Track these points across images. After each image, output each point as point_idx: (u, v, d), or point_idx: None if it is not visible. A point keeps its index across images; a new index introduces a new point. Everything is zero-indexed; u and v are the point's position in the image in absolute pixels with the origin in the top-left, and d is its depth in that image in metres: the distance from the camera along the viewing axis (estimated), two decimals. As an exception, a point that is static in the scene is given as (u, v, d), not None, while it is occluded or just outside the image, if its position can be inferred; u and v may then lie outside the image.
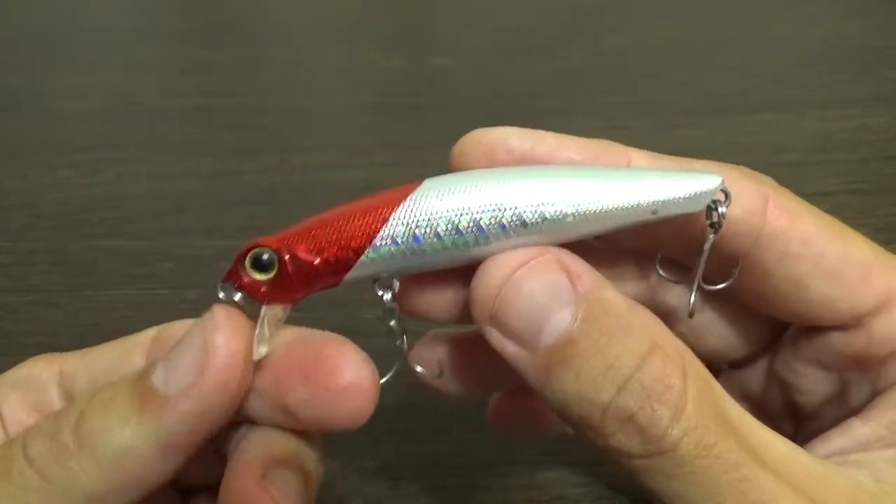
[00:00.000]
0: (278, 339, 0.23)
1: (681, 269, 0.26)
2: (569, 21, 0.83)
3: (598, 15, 0.84)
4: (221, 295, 0.23)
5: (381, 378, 0.24)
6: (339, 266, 0.23)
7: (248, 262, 0.22)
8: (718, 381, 0.30)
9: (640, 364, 0.21)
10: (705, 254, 0.24)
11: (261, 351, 0.22)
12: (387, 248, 0.22)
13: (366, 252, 0.22)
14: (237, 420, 0.24)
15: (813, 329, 0.26)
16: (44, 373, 0.27)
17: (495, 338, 0.22)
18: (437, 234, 0.22)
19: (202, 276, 0.48)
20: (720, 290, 0.25)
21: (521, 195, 0.22)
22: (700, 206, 0.23)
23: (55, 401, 0.26)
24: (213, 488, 0.27)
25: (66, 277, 0.49)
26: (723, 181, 0.23)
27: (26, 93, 0.72)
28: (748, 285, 0.25)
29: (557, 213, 0.22)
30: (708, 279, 0.25)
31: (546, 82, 0.71)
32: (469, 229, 0.22)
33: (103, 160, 0.60)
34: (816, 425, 0.27)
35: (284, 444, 0.24)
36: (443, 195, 0.22)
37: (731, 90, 0.68)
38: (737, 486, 0.20)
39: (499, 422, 0.33)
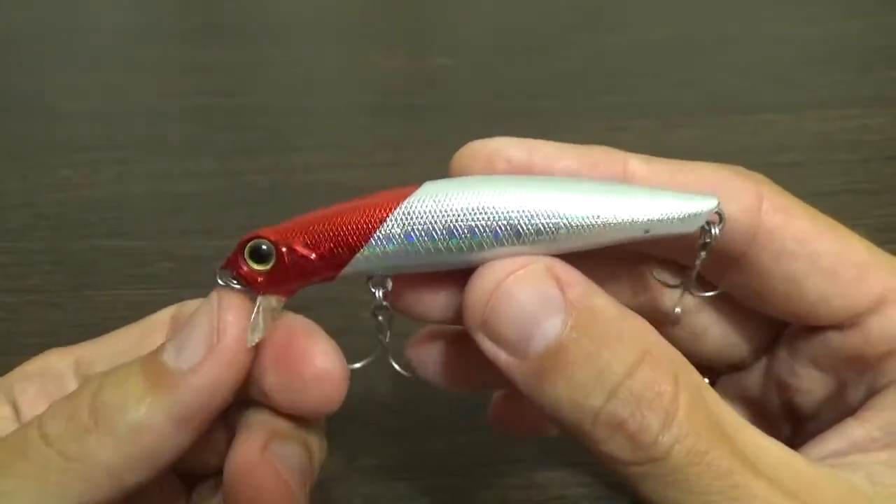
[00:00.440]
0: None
1: (675, 271, 0.26)
2: (569, 21, 0.83)
3: (598, 15, 0.84)
4: (220, 281, 0.23)
5: (357, 364, 0.25)
6: (334, 262, 0.23)
7: (246, 253, 0.23)
8: (717, 383, 0.30)
9: (630, 371, 0.21)
10: (696, 269, 0.24)
11: (254, 339, 0.23)
12: (382, 248, 0.23)
13: (361, 250, 0.23)
14: (240, 400, 0.25)
15: (810, 329, 0.26)
16: (59, 364, 0.28)
17: (487, 345, 0.22)
18: (432, 239, 0.22)
19: (202, 276, 0.48)
20: (708, 297, 0.25)
21: (516, 207, 0.22)
22: (694, 227, 0.23)
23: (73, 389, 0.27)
24: (217, 475, 0.28)
25: (66, 277, 0.49)
26: (718, 203, 0.23)
27: (26, 93, 0.72)
28: (744, 284, 0.25)
29: (551, 226, 0.22)
30: (701, 280, 0.25)
31: (546, 82, 0.71)
32: (463, 236, 0.22)
33: (103, 160, 0.60)
34: (814, 426, 0.27)
35: (285, 419, 0.25)
36: (440, 200, 0.22)
37: (731, 90, 0.68)
38: (729, 493, 0.21)
39: (499, 423, 0.33)
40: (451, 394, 0.29)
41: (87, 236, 0.52)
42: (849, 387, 0.26)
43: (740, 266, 0.25)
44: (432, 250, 0.23)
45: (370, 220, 0.23)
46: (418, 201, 0.22)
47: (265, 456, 0.24)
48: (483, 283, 0.22)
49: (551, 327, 0.21)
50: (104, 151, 0.62)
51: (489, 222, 0.22)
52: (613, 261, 0.27)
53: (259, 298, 0.23)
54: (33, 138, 0.64)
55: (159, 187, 0.58)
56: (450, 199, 0.22)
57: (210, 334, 0.23)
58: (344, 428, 0.30)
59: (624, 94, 0.67)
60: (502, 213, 0.22)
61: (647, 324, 0.22)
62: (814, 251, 0.24)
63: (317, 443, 0.26)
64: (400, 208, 0.22)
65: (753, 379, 0.29)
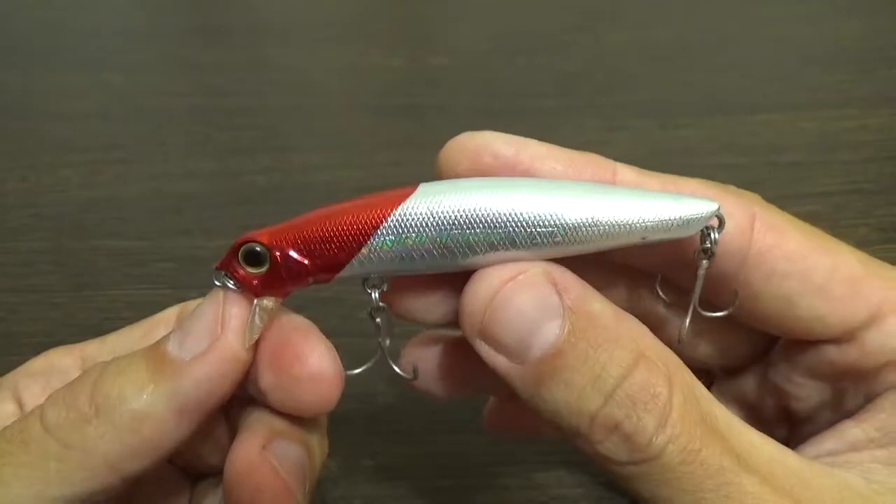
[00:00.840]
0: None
1: (676, 288, 0.26)
2: (569, 21, 0.83)
3: (598, 15, 0.84)
4: (217, 282, 0.23)
5: (357, 369, 0.25)
6: (329, 266, 0.23)
7: (240, 256, 0.23)
8: (714, 387, 0.30)
9: (626, 374, 0.21)
10: (700, 280, 0.24)
11: (250, 339, 0.23)
12: (377, 253, 0.23)
13: (356, 255, 0.23)
14: (241, 396, 0.26)
15: (805, 341, 0.26)
16: (63, 360, 0.28)
17: (485, 351, 0.22)
18: (427, 243, 0.22)
19: (202, 276, 0.48)
20: (717, 317, 0.25)
21: (512, 211, 0.22)
22: (692, 232, 0.23)
23: None
24: (219, 472, 0.28)
25: (66, 277, 0.49)
26: (719, 207, 0.22)
27: (26, 93, 0.72)
28: (738, 304, 0.25)
29: (547, 233, 0.22)
30: (703, 303, 0.25)
31: (546, 82, 0.71)
32: (458, 242, 0.22)
33: (103, 160, 0.60)
34: (810, 429, 0.27)
35: (286, 419, 0.25)
36: (435, 205, 0.22)
37: (731, 90, 0.68)
38: (722, 489, 0.21)
39: (495, 426, 0.33)
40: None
41: (87, 236, 0.53)
42: (846, 394, 0.26)
43: (731, 287, 0.25)
44: (427, 255, 0.22)
45: (365, 225, 0.22)
46: (413, 206, 0.22)
47: (265, 455, 0.24)
48: (481, 290, 0.22)
49: (550, 332, 0.21)
50: (104, 151, 0.62)
51: (484, 228, 0.22)
52: (611, 271, 0.27)
53: (255, 300, 0.23)
54: (33, 138, 0.64)
55: (159, 187, 0.58)
56: (444, 204, 0.22)
57: (214, 326, 0.23)
58: (344, 428, 0.30)
59: (624, 94, 0.67)
60: (498, 218, 0.22)
61: (643, 326, 0.23)
62: (805, 269, 0.24)
63: (317, 442, 0.26)
64: (395, 213, 0.22)
65: (749, 383, 0.29)
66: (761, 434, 0.23)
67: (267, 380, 0.24)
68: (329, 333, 0.25)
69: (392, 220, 0.22)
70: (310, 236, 0.23)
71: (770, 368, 0.28)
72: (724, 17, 0.82)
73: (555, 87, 0.70)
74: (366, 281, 0.24)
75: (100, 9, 0.91)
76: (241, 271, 0.23)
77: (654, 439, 0.21)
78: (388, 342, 0.25)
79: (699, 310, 0.25)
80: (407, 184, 0.23)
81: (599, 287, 0.23)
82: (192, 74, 0.75)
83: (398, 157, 0.60)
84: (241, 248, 0.23)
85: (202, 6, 0.93)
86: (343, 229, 0.23)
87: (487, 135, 0.24)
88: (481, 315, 0.22)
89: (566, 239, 0.22)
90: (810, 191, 0.53)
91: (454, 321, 0.25)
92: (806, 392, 0.27)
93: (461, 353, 0.27)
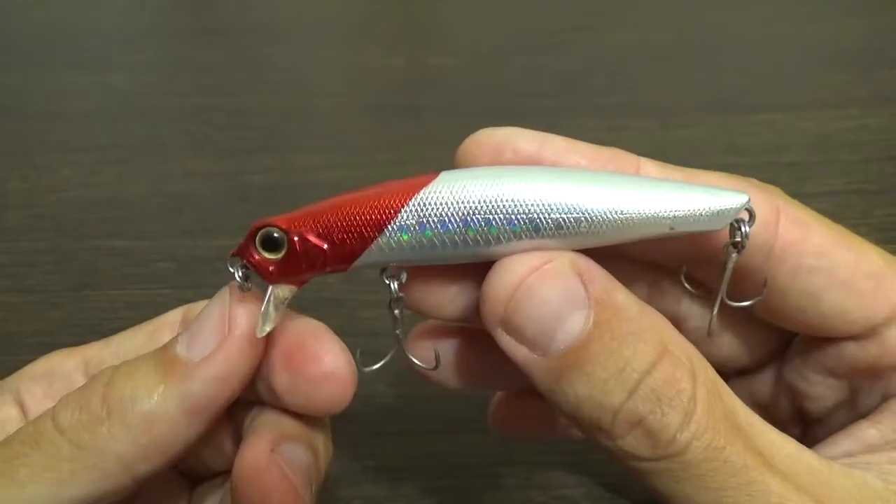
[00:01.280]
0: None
1: (697, 283, 0.26)
2: (569, 21, 0.83)
3: (598, 15, 0.84)
4: (231, 268, 0.23)
5: (374, 366, 0.25)
6: (347, 253, 0.23)
7: (258, 241, 0.23)
8: (728, 386, 0.30)
9: (650, 368, 0.21)
10: (728, 273, 0.23)
11: (264, 329, 0.23)
12: (396, 240, 0.22)
13: (375, 241, 0.22)
14: (248, 398, 0.26)
15: (824, 338, 0.26)
16: (66, 363, 0.28)
17: (506, 342, 0.22)
18: (448, 231, 0.22)
19: (202, 276, 0.49)
20: (744, 307, 0.24)
21: (536, 199, 0.21)
22: (722, 224, 0.22)
23: None
24: (219, 475, 0.29)
25: (66, 277, 0.49)
26: (749, 200, 0.22)
27: (26, 93, 0.72)
28: (765, 295, 0.25)
29: (572, 220, 0.21)
30: (726, 296, 0.24)
31: (546, 82, 0.71)
32: (480, 229, 0.22)
33: (103, 160, 0.60)
34: (824, 430, 0.27)
35: (293, 421, 0.25)
36: (457, 191, 0.22)
37: (731, 90, 0.68)
38: (745, 488, 0.21)
39: (500, 425, 0.33)
40: (452, 394, 0.29)
41: (87, 236, 0.52)
42: (861, 393, 0.26)
43: (754, 281, 0.24)
44: (448, 243, 0.22)
45: (384, 211, 0.22)
46: (434, 191, 0.22)
47: (273, 458, 0.24)
48: (504, 279, 0.22)
49: (574, 324, 0.21)
50: (104, 151, 0.62)
51: (507, 215, 0.21)
52: (631, 266, 0.26)
53: (270, 288, 0.23)
54: (33, 138, 0.64)
55: (159, 187, 0.58)
56: (467, 190, 0.22)
57: (221, 326, 0.23)
58: (345, 429, 0.30)
59: (624, 94, 0.67)
60: (521, 205, 0.21)
61: (665, 319, 0.22)
62: (831, 265, 0.24)
63: (323, 444, 0.26)
64: (415, 199, 0.22)
65: (763, 382, 0.29)
66: (781, 433, 0.22)
67: (282, 381, 0.24)
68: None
69: (412, 206, 0.22)
70: (329, 221, 0.22)
71: (785, 367, 0.28)
72: (724, 17, 0.82)
73: (555, 87, 0.70)
74: (384, 271, 0.23)
75: (100, 9, 0.91)
76: (258, 256, 0.23)
77: (678, 435, 0.21)
78: (404, 335, 0.25)
79: (727, 300, 0.24)
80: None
81: (620, 282, 0.22)
82: (192, 74, 0.75)
83: (398, 157, 0.60)
84: (259, 233, 0.23)
85: (202, 6, 0.93)
86: (362, 215, 0.22)
87: (509, 130, 0.24)
88: (504, 304, 0.21)
89: (592, 228, 0.21)
90: (810, 191, 0.53)
91: (470, 317, 0.24)
92: (821, 391, 0.27)
93: (474, 345, 0.27)
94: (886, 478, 0.22)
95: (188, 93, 0.71)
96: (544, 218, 0.21)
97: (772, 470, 0.21)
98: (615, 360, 0.21)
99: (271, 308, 0.23)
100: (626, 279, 0.25)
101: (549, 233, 0.22)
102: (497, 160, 0.23)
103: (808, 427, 0.28)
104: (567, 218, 0.21)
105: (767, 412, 0.29)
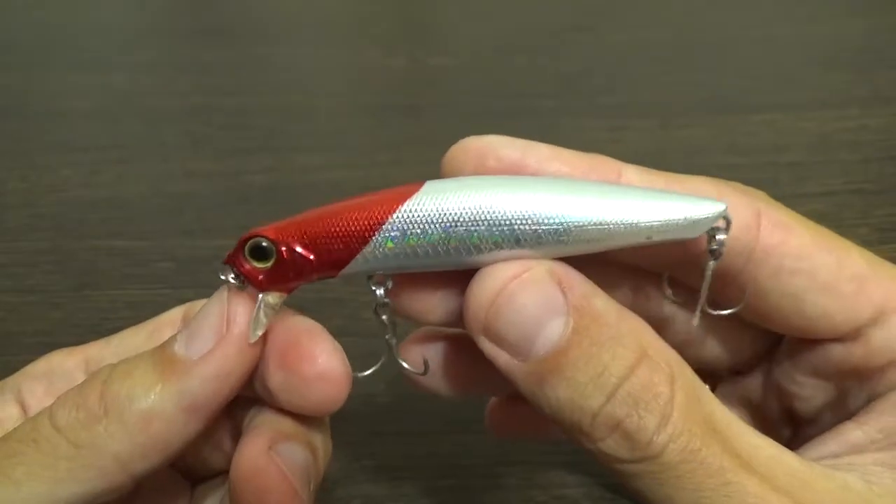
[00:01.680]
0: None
1: (683, 288, 0.26)
2: (569, 21, 0.83)
3: (598, 15, 0.84)
4: (222, 276, 0.24)
5: (366, 371, 0.25)
6: (333, 262, 0.23)
7: (247, 251, 0.23)
8: (719, 388, 0.30)
9: (628, 373, 0.21)
10: (707, 280, 0.24)
11: (256, 334, 0.24)
12: (382, 249, 0.23)
13: (361, 251, 0.23)
14: (247, 395, 0.26)
15: (810, 340, 0.26)
16: (66, 362, 0.28)
17: (488, 348, 0.22)
18: (432, 241, 0.22)
19: (202, 276, 0.49)
20: (725, 315, 0.25)
21: (517, 211, 0.22)
22: (698, 233, 0.23)
23: None
24: (219, 475, 0.29)
25: (66, 277, 0.49)
26: (726, 208, 0.22)
27: (26, 93, 0.72)
28: (745, 302, 0.25)
29: (552, 231, 0.22)
30: (709, 300, 0.24)
31: (546, 82, 0.71)
32: (463, 239, 0.22)
33: (103, 160, 0.60)
34: (814, 430, 0.27)
35: (291, 420, 0.26)
36: (441, 202, 0.22)
37: (731, 90, 0.68)
38: (722, 489, 0.21)
39: (496, 428, 0.33)
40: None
41: (87, 236, 0.52)
42: (849, 394, 0.26)
43: (737, 285, 0.25)
44: (431, 253, 0.23)
45: (370, 222, 0.23)
46: (418, 203, 0.22)
47: (271, 457, 0.24)
48: (485, 287, 0.22)
49: (553, 330, 0.21)
50: (104, 151, 0.62)
51: (489, 226, 0.22)
52: (616, 271, 0.26)
53: (261, 295, 0.24)
54: (33, 138, 0.64)
55: (159, 187, 0.58)
56: (450, 201, 0.22)
57: (219, 325, 0.23)
58: (345, 428, 0.30)
59: (624, 94, 0.67)
60: (503, 216, 0.22)
61: (645, 324, 0.23)
62: (813, 267, 0.24)
63: (321, 443, 0.27)
64: (400, 211, 0.22)
65: (754, 384, 0.29)
66: (762, 435, 0.23)
67: (276, 379, 0.24)
68: (333, 334, 0.25)
69: (398, 217, 0.22)
70: (316, 232, 0.23)
71: (774, 368, 0.28)
72: (724, 17, 0.82)
73: (555, 87, 0.70)
74: (370, 278, 0.24)
75: (100, 9, 0.91)
76: (248, 266, 0.23)
77: (655, 438, 0.21)
78: (395, 340, 0.25)
79: (708, 309, 0.25)
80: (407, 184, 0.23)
81: (604, 288, 0.23)
82: (192, 74, 0.75)
83: (398, 157, 0.60)
84: (248, 243, 0.23)
85: (202, 6, 0.93)
86: (349, 225, 0.23)
87: (492, 138, 0.24)
88: (485, 312, 0.22)
89: (571, 238, 0.22)
90: (810, 191, 0.53)
91: (456, 321, 0.25)
92: (809, 392, 0.27)
93: (465, 351, 0.27)
94: (869, 479, 0.22)
95: (188, 93, 0.71)
96: (525, 229, 0.22)
97: (749, 471, 0.21)
98: (594, 365, 0.21)
99: (262, 314, 0.24)
100: (611, 284, 0.25)
101: (530, 243, 0.22)
102: (481, 167, 0.24)
103: (798, 427, 0.28)
104: (547, 229, 0.22)
105: (758, 413, 0.29)
